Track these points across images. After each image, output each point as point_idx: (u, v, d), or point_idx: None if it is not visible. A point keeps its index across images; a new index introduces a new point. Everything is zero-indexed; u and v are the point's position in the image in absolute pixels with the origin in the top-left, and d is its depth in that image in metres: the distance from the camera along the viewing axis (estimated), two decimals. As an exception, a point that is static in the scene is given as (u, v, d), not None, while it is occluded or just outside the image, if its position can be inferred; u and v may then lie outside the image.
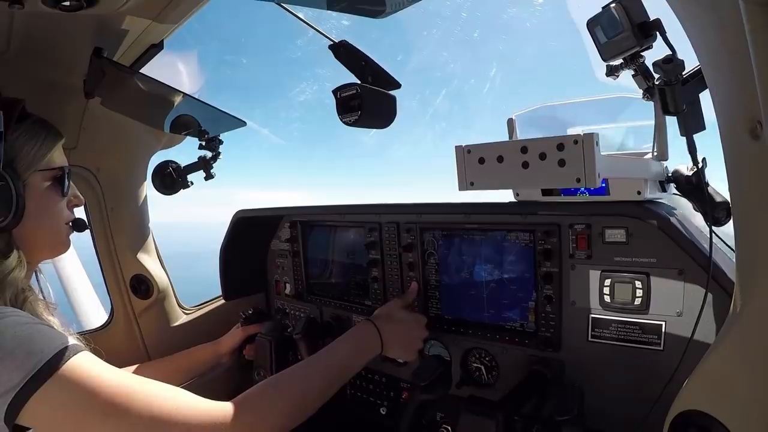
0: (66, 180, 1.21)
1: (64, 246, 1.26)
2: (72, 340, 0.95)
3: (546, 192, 1.31)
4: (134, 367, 1.70)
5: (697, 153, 1.07)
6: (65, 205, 1.22)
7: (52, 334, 0.94)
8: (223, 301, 2.20)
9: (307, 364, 1.30)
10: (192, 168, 1.90)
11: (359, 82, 1.23)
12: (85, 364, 0.92)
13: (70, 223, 1.26)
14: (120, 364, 1.71)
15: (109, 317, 2.10)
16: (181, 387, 1.81)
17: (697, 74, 0.99)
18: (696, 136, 1.05)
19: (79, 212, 1.32)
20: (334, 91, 1.21)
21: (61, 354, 0.90)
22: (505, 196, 1.41)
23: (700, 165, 1.09)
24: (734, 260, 0.80)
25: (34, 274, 1.22)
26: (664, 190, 1.21)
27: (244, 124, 1.80)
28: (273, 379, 1.23)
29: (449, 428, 1.58)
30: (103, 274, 2.04)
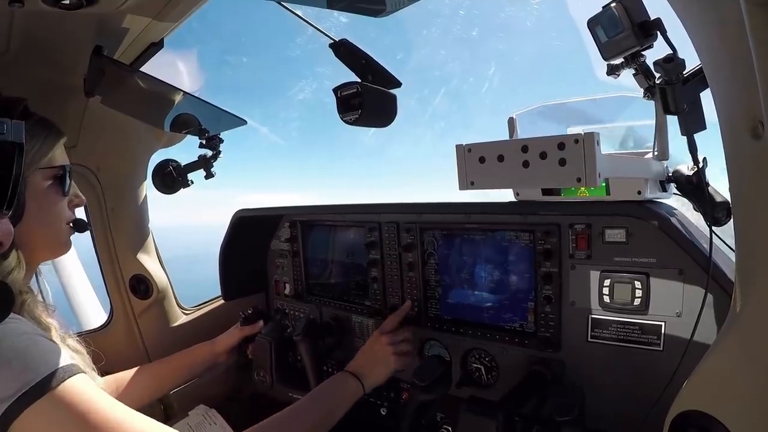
0: (67, 179, 1.19)
1: (65, 246, 1.24)
2: (69, 360, 0.94)
3: (546, 192, 1.31)
4: (134, 369, 1.69)
5: (698, 152, 1.06)
6: (66, 204, 1.21)
7: (51, 349, 0.94)
8: (222, 302, 2.19)
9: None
10: (192, 167, 1.89)
11: (360, 80, 1.23)
12: (80, 387, 0.92)
13: (71, 224, 1.24)
14: (120, 364, 1.72)
15: (108, 317, 2.09)
16: (182, 387, 1.83)
17: (698, 73, 0.99)
18: (696, 136, 1.05)
19: (79, 212, 1.32)
20: (335, 90, 1.21)
21: (57, 373, 0.89)
22: (505, 195, 1.41)
23: (700, 165, 1.09)
24: (734, 260, 0.80)
25: (33, 275, 1.21)
26: (664, 189, 1.21)
27: (244, 122, 1.80)
28: (276, 417, 1.25)
29: (449, 429, 1.58)
30: (102, 274, 2.04)
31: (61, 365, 0.91)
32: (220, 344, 1.88)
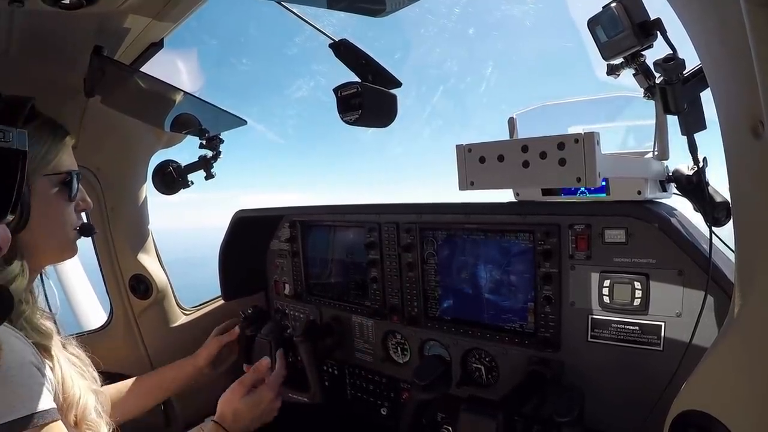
0: (74, 184, 1.17)
1: (72, 251, 1.23)
2: (49, 403, 0.93)
3: (546, 192, 1.31)
4: (130, 380, 1.67)
5: (698, 152, 1.06)
6: (72, 209, 1.19)
7: (35, 390, 0.92)
8: (222, 302, 2.19)
9: None
10: (192, 167, 1.89)
11: (360, 80, 1.22)
12: None
13: (78, 228, 1.22)
14: (120, 364, 1.71)
15: (108, 318, 2.09)
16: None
17: (698, 73, 0.99)
18: (696, 135, 1.05)
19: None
20: (335, 90, 1.21)
21: (34, 417, 0.89)
22: (505, 196, 1.41)
23: (700, 164, 1.09)
24: (734, 261, 0.80)
25: (38, 277, 1.20)
26: (664, 189, 1.21)
27: (244, 122, 1.80)
28: None
29: (450, 428, 1.58)
30: (102, 274, 2.03)
31: (39, 409, 0.89)
32: (201, 357, 1.85)
